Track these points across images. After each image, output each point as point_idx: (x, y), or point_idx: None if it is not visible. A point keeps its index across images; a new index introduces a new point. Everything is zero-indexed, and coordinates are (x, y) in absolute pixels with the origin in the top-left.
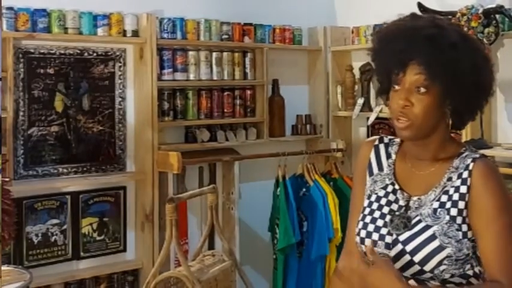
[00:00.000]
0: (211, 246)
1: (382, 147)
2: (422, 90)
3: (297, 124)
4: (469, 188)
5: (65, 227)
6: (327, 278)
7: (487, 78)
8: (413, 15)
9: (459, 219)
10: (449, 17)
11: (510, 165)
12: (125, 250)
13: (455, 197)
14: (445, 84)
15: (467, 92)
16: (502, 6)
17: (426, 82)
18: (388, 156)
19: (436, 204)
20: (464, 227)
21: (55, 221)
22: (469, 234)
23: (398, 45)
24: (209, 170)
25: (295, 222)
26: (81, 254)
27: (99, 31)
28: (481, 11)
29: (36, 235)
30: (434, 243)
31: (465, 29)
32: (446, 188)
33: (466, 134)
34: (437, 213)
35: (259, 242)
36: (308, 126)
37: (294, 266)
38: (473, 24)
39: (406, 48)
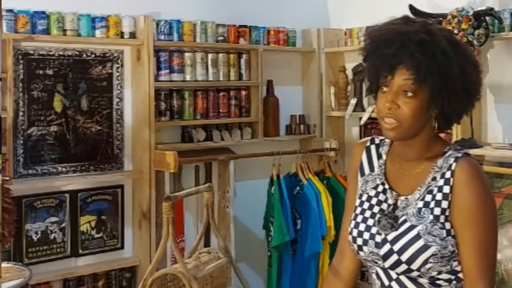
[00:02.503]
0: (207, 244)
1: (373, 148)
2: (410, 94)
3: (291, 124)
4: (451, 187)
5: (63, 224)
6: (320, 275)
7: (475, 84)
8: (406, 18)
9: (442, 218)
10: (440, 19)
11: (500, 164)
12: (122, 247)
13: (439, 196)
14: (433, 89)
15: (455, 97)
16: (491, 9)
17: (413, 86)
18: (379, 156)
19: (420, 204)
20: (448, 225)
21: (54, 219)
22: (452, 231)
23: (389, 50)
24: (205, 169)
25: (289, 220)
26: (80, 251)
27: (97, 33)
28: (471, 13)
29: (36, 233)
30: (419, 243)
31: (455, 31)
32: (430, 188)
33: (456, 134)
34: (422, 213)
35: (254, 239)
36: (302, 126)
37: (288, 263)
38: (463, 26)
39: (396, 53)
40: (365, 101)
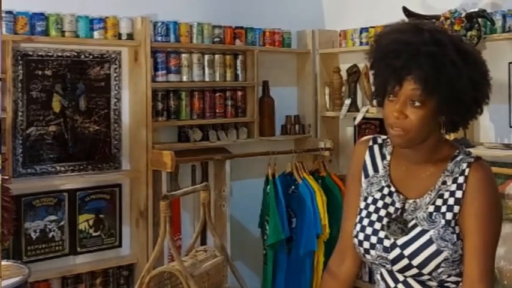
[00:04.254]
0: (203, 242)
1: (376, 148)
2: (417, 104)
3: (286, 124)
4: (464, 193)
5: (62, 223)
6: (315, 273)
7: (484, 92)
8: (414, 25)
9: (453, 223)
10: (433, 20)
11: (492, 163)
12: (120, 246)
13: (451, 201)
14: (441, 99)
15: (464, 107)
16: (484, 10)
17: (421, 97)
18: (383, 157)
19: (431, 208)
20: (457, 229)
21: (53, 217)
22: (461, 235)
23: (397, 61)
24: (201, 168)
25: (285, 218)
26: (78, 249)
27: (95, 34)
28: (463, 15)
29: (35, 231)
30: (432, 248)
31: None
32: (441, 192)
33: (450, 134)
34: (433, 217)
35: (249, 238)
36: (297, 126)
37: (283, 261)
38: (456, 27)
39: (404, 64)
40: (359, 101)
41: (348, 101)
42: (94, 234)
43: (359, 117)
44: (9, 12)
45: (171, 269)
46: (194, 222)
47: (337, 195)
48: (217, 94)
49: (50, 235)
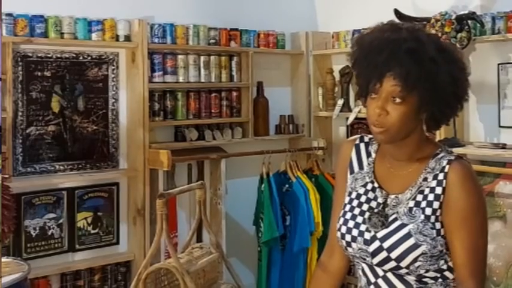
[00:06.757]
0: (199, 239)
1: (362, 146)
2: (398, 100)
3: (280, 124)
4: (444, 189)
5: (61, 221)
6: (308, 269)
7: (463, 87)
8: (393, 24)
9: (433, 218)
10: (424, 22)
11: (481, 162)
12: (117, 243)
13: (431, 197)
14: (422, 95)
15: (444, 102)
16: (474, 13)
17: (402, 93)
18: (369, 155)
19: (411, 203)
20: (438, 225)
21: (52, 215)
22: (442, 231)
23: (378, 58)
24: (197, 167)
25: (279, 216)
26: (77, 246)
27: (94, 36)
28: (454, 17)
29: (34, 228)
30: (410, 241)
31: (439, 34)
32: (421, 188)
33: (439, 133)
34: (413, 212)
35: (244, 235)
36: (291, 125)
37: (277, 258)
38: (446, 29)
39: (386, 61)
40: (352, 101)
41: (340, 102)
42: (92, 231)
43: (351, 117)
44: (9, 15)
45: (167, 266)
46: (190, 220)
47: (330, 193)
48: (213, 94)
49: (49, 232)
